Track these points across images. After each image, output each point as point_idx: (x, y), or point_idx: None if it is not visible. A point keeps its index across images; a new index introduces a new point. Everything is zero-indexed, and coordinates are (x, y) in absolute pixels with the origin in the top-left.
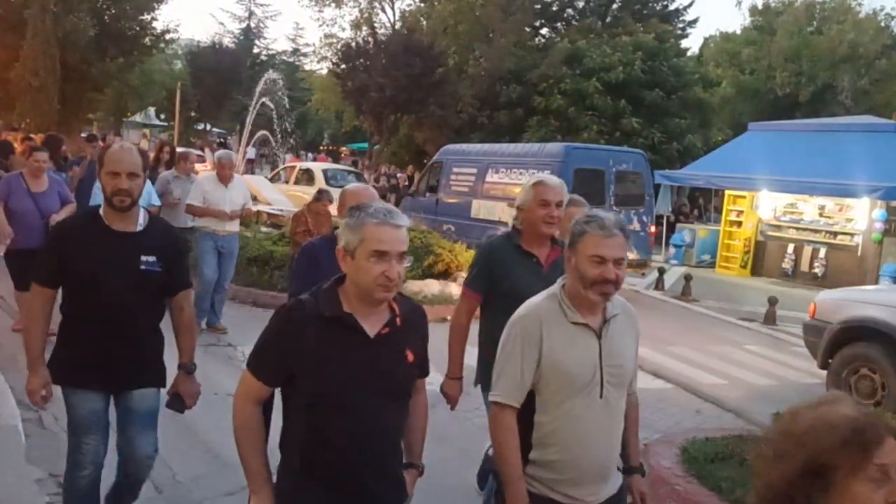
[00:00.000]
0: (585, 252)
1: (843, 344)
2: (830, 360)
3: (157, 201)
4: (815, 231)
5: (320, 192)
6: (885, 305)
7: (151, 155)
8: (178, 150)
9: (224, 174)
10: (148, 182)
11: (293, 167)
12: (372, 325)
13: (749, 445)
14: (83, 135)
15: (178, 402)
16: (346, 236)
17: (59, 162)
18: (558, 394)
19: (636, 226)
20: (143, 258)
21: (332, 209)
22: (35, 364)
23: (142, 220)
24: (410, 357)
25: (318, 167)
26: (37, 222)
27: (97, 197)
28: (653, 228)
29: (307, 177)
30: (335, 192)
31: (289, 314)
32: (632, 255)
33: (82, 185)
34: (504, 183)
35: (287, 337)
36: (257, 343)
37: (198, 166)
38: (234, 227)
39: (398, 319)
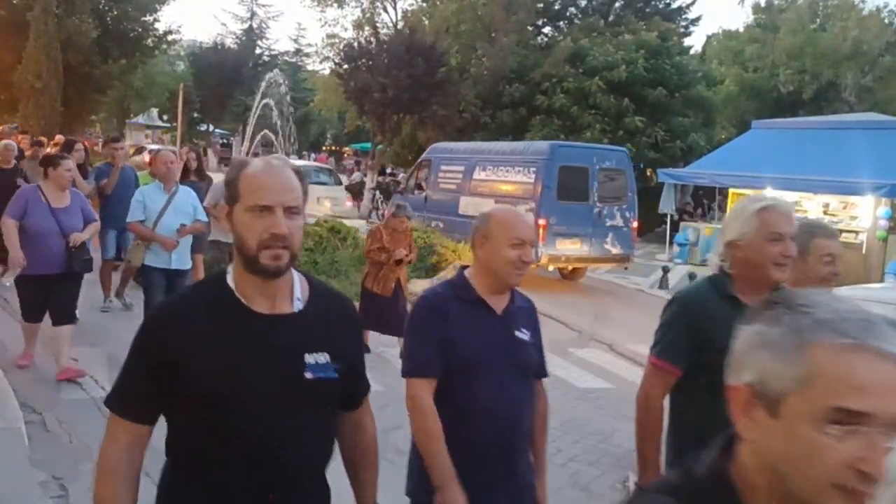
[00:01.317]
0: None
1: None
2: None
3: (203, 217)
4: None
5: (398, 206)
6: (892, 304)
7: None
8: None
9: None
10: (192, 193)
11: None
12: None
13: None
14: (97, 136)
15: None
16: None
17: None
18: None
19: (619, 221)
20: (310, 358)
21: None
22: None
23: (299, 290)
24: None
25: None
26: (58, 244)
27: (135, 213)
28: (635, 224)
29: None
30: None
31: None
32: (614, 251)
33: (111, 200)
34: (491, 180)
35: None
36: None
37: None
38: (228, 236)
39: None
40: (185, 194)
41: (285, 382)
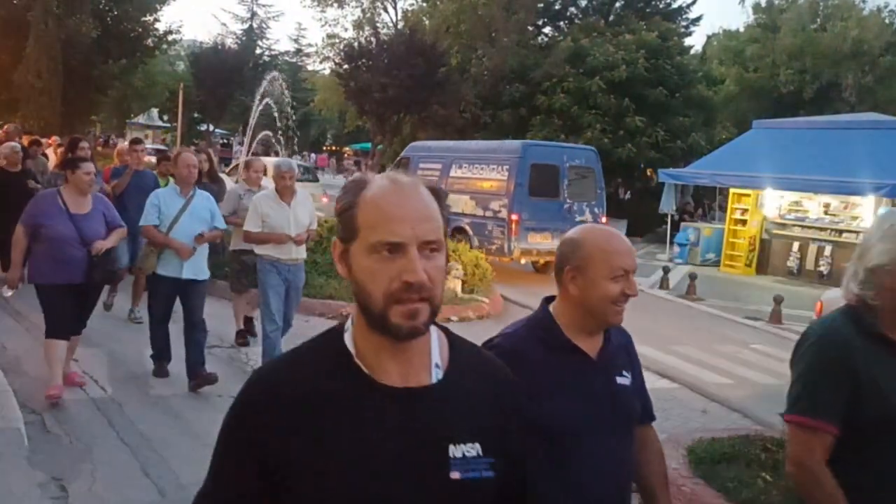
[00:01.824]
0: None
1: None
2: None
3: (221, 223)
4: (821, 229)
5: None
6: None
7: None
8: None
9: (285, 188)
10: (210, 199)
11: (248, 161)
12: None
13: (756, 446)
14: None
15: None
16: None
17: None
18: None
19: (588, 217)
20: (455, 451)
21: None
22: None
23: (437, 352)
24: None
25: (270, 161)
26: (78, 253)
27: (150, 216)
28: (604, 220)
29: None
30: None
31: None
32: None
33: (125, 205)
34: (467, 178)
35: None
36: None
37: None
38: (301, 253)
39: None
40: (203, 199)
41: (425, 487)
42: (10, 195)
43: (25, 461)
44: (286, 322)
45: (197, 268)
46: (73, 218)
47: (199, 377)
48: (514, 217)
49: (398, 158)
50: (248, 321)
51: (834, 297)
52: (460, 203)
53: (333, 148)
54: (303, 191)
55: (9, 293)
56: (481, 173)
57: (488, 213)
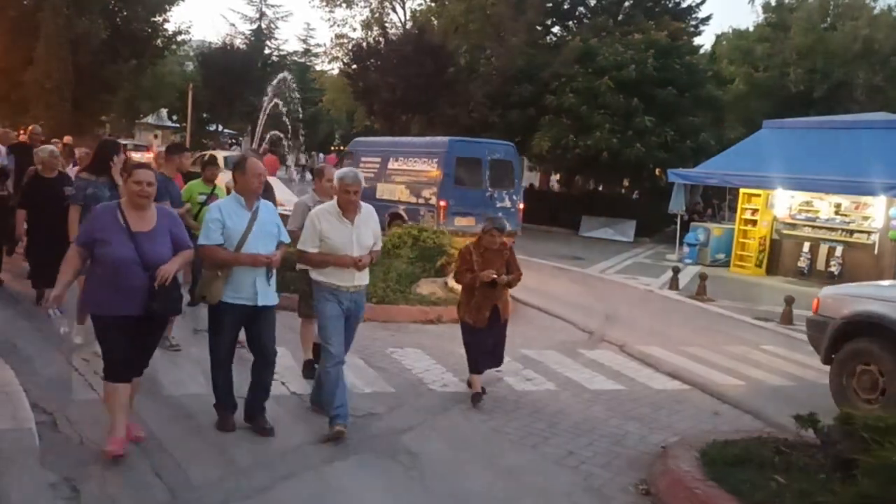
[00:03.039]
0: None
1: (845, 339)
2: (833, 356)
3: (286, 237)
4: (832, 229)
5: (489, 219)
6: (888, 301)
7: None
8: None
9: (349, 203)
10: (274, 210)
11: (202, 154)
12: None
13: (769, 448)
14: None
15: None
16: None
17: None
18: None
19: (507, 203)
20: None
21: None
22: None
23: None
24: None
25: (221, 154)
26: (139, 278)
27: (213, 234)
28: (521, 206)
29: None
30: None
31: None
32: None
33: None
34: (402, 169)
35: None
36: None
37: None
38: (363, 279)
39: None
40: (269, 212)
41: None
42: (46, 202)
43: (37, 461)
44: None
45: (270, 291)
46: (134, 238)
47: (257, 425)
48: (442, 203)
49: (344, 152)
50: (318, 350)
51: (831, 294)
52: (397, 192)
53: (342, 148)
54: (368, 206)
55: (79, 339)
56: (414, 165)
57: (420, 200)
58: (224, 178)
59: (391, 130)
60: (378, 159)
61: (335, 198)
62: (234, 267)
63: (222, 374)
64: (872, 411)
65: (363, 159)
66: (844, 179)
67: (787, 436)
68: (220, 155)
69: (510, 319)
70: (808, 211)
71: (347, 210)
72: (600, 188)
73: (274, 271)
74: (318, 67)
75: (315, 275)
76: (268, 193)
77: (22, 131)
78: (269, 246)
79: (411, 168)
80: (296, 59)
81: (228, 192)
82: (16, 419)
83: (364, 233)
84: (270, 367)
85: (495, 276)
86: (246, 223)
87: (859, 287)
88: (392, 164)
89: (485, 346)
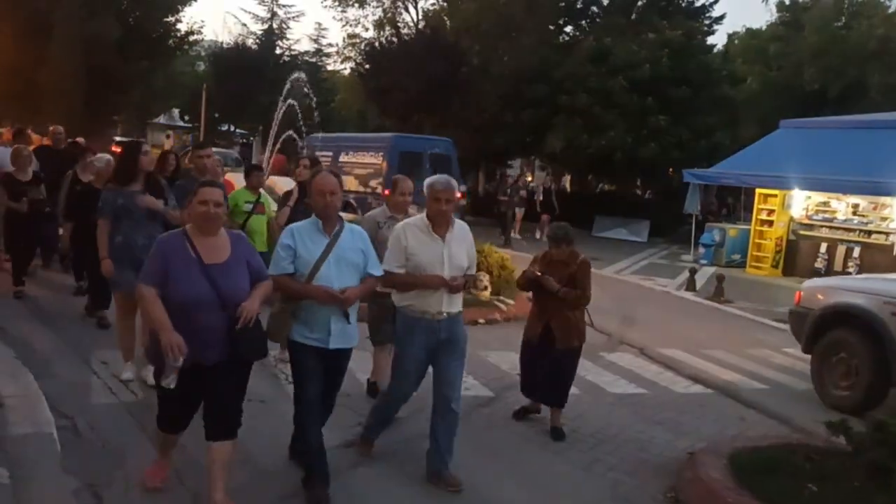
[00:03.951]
0: None
1: (824, 329)
2: (813, 346)
3: (378, 269)
4: (849, 230)
5: (555, 226)
6: (862, 292)
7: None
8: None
9: (440, 215)
10: (362, 235)
11: (395, 180)
12: None
13: (800, 455)
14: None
15: None
16: None
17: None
18: None
19: None
20: None
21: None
22: None
23: None
24: None
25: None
26: (215, 320)
27: (281, 263)
28: (459, 195)
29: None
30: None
31: None
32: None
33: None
34: (352, 163)
35: None
36: None
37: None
38: (456, 304)
39: None
40: (354, 239)
41: None
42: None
43: (59, 467)
44: (446, 399)
45: (348, 333)
46: (207, 271)
47: (307, 474)
48: (387, 192)
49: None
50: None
51: (812, 287)
52: (347, 182)
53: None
54: (462, 223)
55: (128, 375)
56: (362, 159)
57: (368, 190)
58: (233, 178)
59: (403, 130)
60: (331, 153)
61: (415, 210)
62: (304, 301)
63: (313, 425)
64: (845, 399)
65: (317, 153)
66: (862, 179)
67: (817, 442)
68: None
69: (524, 320)
70: (824, 211)
71: (438, 223)
72: (612, 188)
73: (354, 309)
74: (329, 67)
75: (398, 299)
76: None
77: (31, 131)
78: (348, 278)
79: (360, 161)
80: (307, 59)
81: (253, 195)
82: (36, 424)
83: (457, 251)
84: (327, 412)
85: (538, 274)
86: (321, 250)
87: (838, 280)
88: (343, 158)
89: (537, 372)
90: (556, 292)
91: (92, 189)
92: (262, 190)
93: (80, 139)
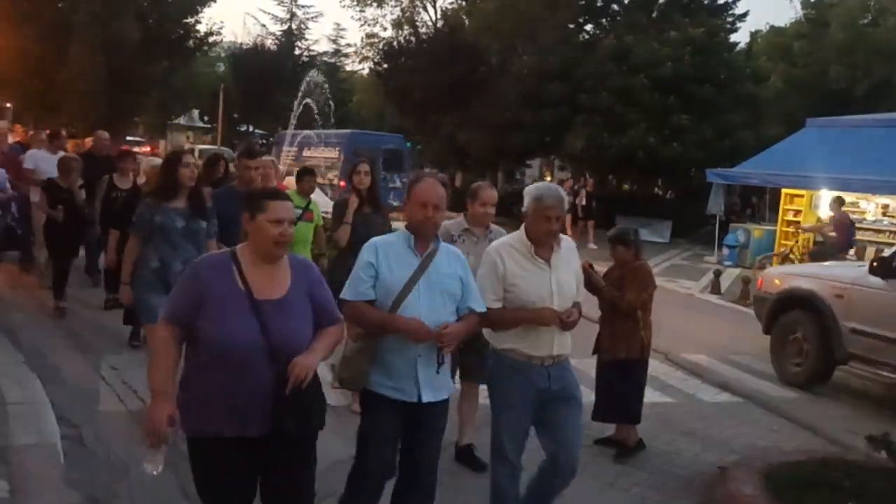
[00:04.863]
0: None
1: (780, 312)
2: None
3: (480, 305)
4: (878, 231)
5: (619, 230)
6: (815, 277)
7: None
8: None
9: (548, 234)
10: (459, 256)
11: (475, 189)
12: None
13: (838, 471)
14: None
15: None
16: None
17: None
18: None
19: (398, 184)
20: None
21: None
22: None
23: None
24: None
25: (198, 147)
26: (263, 375)
27: (359, 285)
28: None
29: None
30: None
31: None
32: (396, 203)
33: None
34: (314, 157)
35: None
36: None
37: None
38: (566, 346)
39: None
40: (452, 262)
41: None
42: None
43: (62, 480)
44: (557, 463)
45: (441, 382)
46: (257, 308)
47: None
48: (342, 184)
49: (269, 143)
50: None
51: (771, 273)
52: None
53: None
54: (568, 240)
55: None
56: (323, 153)
57: (326, 181)
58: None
59: (422, 130)
60: (295, 149)
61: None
62: (384, 337)
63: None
64: (798, 375)
65: (284, 149)
66: (892, 180)
67: (856, 456)
68: (197, 148)
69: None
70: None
71: (543, 245)
72: (632, 188)
73: (447, 355)
74: (347, 68)
75: (495, 340)
76: (382, 215)
77: (64, 133)
78: (441, 311)
79: (320, 155)
80: (326, 59)
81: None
82: (41, 434)
83: (566, 278)
84: (427, 496)
85: (588, 264)
86: (409, 273)
87: (796, 267)
88: (305, 153)
89: (600, 382)
90: (597, 290)
91: (136, 196)
92: (310, 199)
93: (86, 141)
